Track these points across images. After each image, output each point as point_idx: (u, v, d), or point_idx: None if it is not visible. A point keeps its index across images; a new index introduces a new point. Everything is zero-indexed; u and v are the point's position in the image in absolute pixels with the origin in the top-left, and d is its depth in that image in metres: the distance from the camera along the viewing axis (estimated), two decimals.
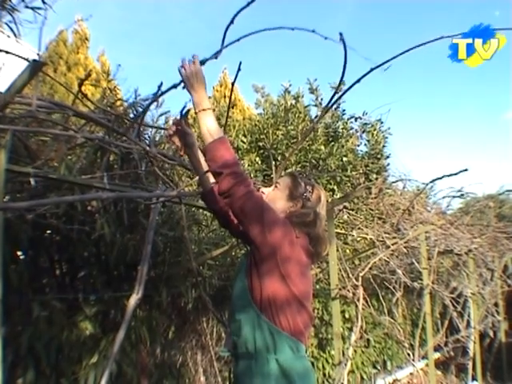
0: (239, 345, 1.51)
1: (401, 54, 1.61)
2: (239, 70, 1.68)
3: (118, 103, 2.56)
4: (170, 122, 1.68)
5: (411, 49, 1.59)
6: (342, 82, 1.68)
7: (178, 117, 1.69)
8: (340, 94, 1.93)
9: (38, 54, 1.49)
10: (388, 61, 1.62)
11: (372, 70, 1.64)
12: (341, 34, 1.48)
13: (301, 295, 1.51)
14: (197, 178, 1.79)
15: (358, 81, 1.70)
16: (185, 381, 3.20)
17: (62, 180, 2.00)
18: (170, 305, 2.91)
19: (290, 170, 5.61)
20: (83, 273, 2.46)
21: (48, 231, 2.32)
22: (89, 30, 11.63)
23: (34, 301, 2.09)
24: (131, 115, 2.34)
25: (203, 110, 1.49)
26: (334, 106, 6.45)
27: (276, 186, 1.71)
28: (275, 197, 1.65)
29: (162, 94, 1.62)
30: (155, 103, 2.43)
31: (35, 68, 1.37)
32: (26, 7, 2.12)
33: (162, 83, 1.58)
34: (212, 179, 1.70)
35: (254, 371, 1.43)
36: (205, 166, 1.71)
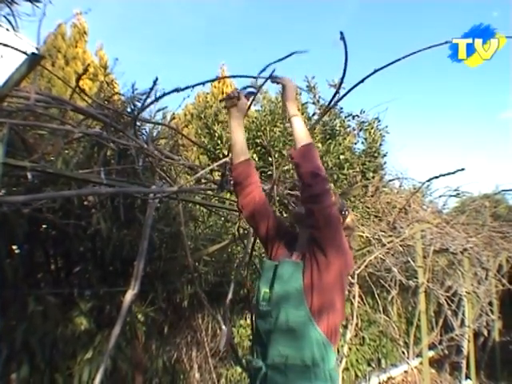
0: (291, 356, 1.47)
1: (406, 57, 1.59)
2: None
3: (116, 97, 2.54)
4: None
5: (417, 52, 1.58)
6: (342, 81, 1.68)
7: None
8: (342, 94, 1.92)
9: (36, 48, 1.48)
10: (392, 63, 1.61)
11: (376, 71, 1.63)
12: (341, 33, 1.47)
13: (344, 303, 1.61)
14: (195, 176, 1.78)
15: (362, 81, 1.68)
16: (179, 377, 3.20)
17: (58, 174, 1.98)
18: (165, 301, 2.91)
19: None
20: (79, 268, 2.46)
21: (44, 226, 2.31)
22: (87, 24, 11.57)
23: (29, 295, 2.08)
24: (128, 109, 2.33)
25: (296, 115, 1.64)
26: (332, 104, 6.43)
27: None
28: None
29: (165, 95, 1.64)
30: (152, 99, 2.42)
31: (33, 61, 1.36)
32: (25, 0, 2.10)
33: (157, 78, 1.60)
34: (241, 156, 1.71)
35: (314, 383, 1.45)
36: (240, 139, 1.74)
